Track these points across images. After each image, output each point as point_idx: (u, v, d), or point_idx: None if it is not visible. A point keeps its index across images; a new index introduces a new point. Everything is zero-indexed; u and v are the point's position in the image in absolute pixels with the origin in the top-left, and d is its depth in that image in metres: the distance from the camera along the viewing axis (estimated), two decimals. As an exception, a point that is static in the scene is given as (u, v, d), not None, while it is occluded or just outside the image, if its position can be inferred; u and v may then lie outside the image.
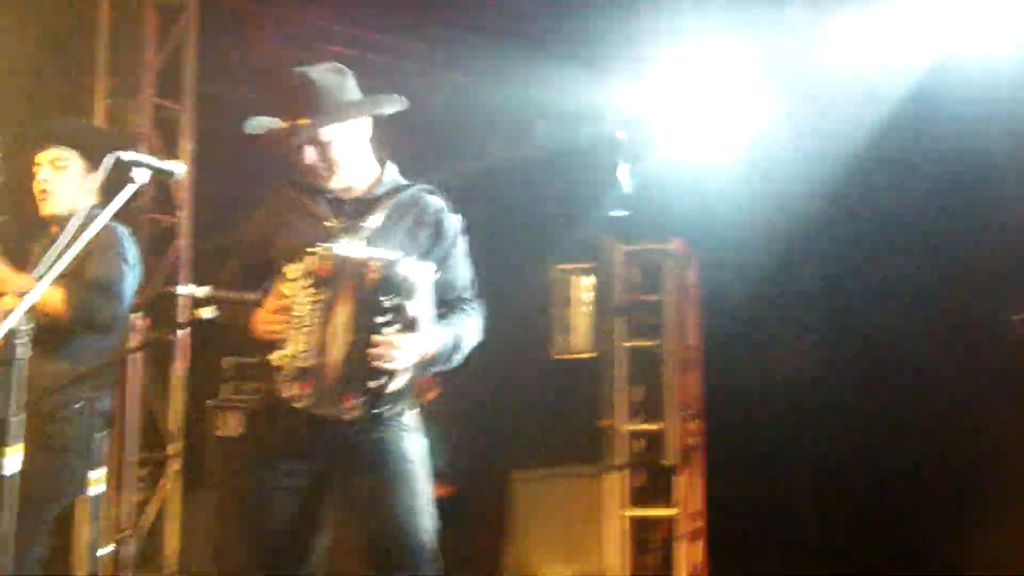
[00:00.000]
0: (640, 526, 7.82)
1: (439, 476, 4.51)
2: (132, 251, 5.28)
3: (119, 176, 4.33)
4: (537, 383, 9.39)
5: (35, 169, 5.27)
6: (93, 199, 5.28)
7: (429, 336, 4.15)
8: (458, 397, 7.32)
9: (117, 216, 4.24)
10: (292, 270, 4.11)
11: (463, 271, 4.46)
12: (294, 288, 4.11)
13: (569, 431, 9.11)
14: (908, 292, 8.29)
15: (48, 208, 5.29)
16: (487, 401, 8.36)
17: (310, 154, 4.32)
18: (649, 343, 7.96)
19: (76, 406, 5.04)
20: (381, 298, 4.04)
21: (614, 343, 7.96)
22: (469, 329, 4.38)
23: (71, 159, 5.32)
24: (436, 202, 4.46)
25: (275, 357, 4.12)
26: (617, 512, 7.73)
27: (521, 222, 9.40)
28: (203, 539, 7.49)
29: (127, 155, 4.36)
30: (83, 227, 4.23)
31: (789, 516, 8.57)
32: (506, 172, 9.19)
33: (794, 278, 8.83)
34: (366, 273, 4.05)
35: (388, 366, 4.02)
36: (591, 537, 7.98)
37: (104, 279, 5.10)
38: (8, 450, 3.85)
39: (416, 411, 4.32)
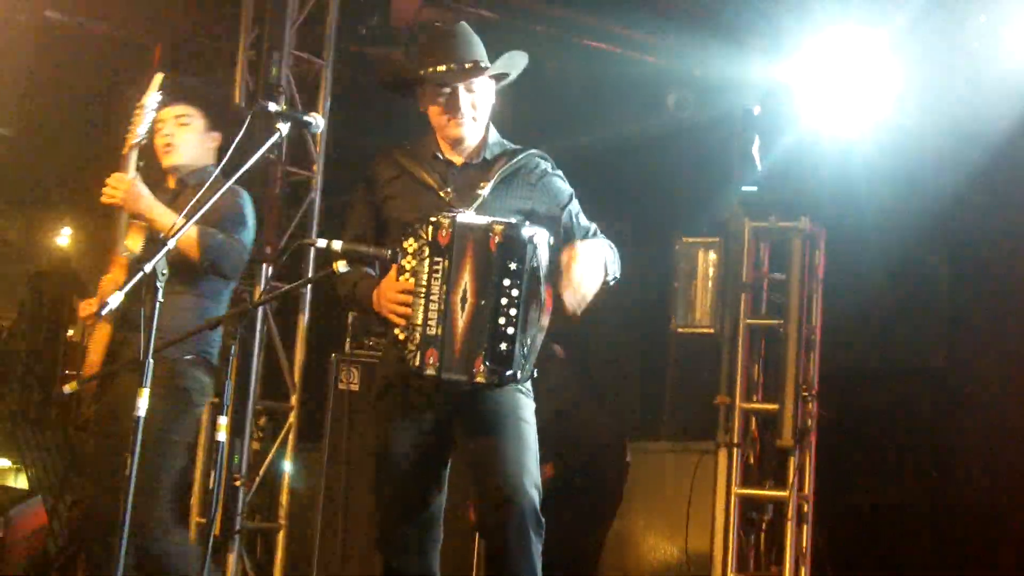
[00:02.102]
0: (749, 506, 7.79)
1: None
2: (252, 214, 5.43)
3: (260, 126, 4.45)
4: (658, 356, 9.39)
5: (159, 124, 5.40)
6: (211, 159, 5.48)
7: (594, 250, 4.25)
8: (577, 365, 7.36)
9: (254, 167, 4.35)
10: (410, 244, 4.18)
11: (585, 218, 4.55)
12: (413, 261, 4.18)
13: (686, 406, 9.11)
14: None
15: (169, 160, 5.47)
16: (608, 371, 8.38)
17: (465, 99, 4.41)
18: (772, 321, 7.90)
19: (189, 356, 5.20)
20: (505, 261, 4.10)
21: (737, 320, 7.91)
22: (613, 249, 4.49)
23: (194, 116, 5.49)
24: (542, 162, 4.54)
25: (398, 331, 4.21)
26: (731, 490, 7.70)
27: (650, 193, 9.39)
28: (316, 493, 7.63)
29: (271, 106, 4.49)
30: (210, 186, 4.37)
31: (898, 506, 8.49)
32: (638, 142, 9.16)
33: (921, 263, 8.71)
34: (491, 238, 4.11)
35: (516, 329, 4.09)
36: (699, 514, 7.98)
37: (231, 227, 5.26)
38: (142, 391, 3.95)
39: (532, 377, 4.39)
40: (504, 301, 4.12)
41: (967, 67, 7.67)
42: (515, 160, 4.52)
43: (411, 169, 4.52)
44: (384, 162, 4.59)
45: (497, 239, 4.13)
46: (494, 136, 4.61)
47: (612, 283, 4.45)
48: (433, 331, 4.16)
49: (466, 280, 4.15)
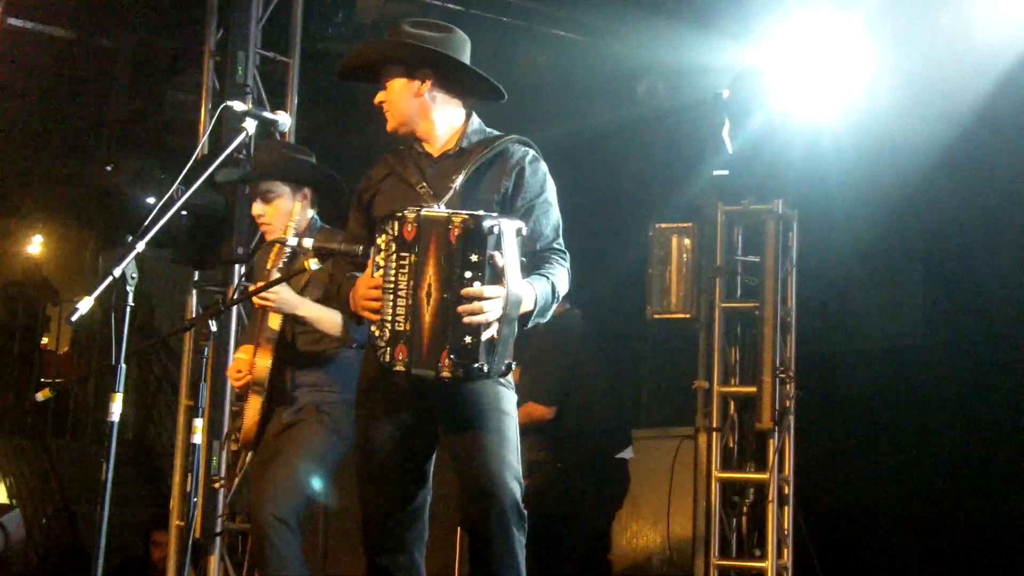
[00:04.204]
0: (730, 490, 7.79)
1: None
2: None
3: (229, 125, 4.43)
4: (635, 343, 9.39)
5: (254, 202, 5.74)
6: (311, 211, 5.72)
7: (520, 289, 4.17)
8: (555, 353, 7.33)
9: (224, 165, 4.38)
10: (382, 240, 4.17)
11: (551, 220, 4.49)
12: (385, 256, 4.16)
13: (664, 392, 9.11)
14: (1012, 263, 8.14)
15: (269, 236, 5.74)
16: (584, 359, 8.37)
17: (379, 97, 4.52)
18: (747, 305, 7.91)
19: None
20: (466, 253, 4.06)
21: (712, 304, 7.91)
22: (561, 279, 4.42)
23: (277, 189, 5.68)
24: (520, 151, 4.52)
25: (374, 327, 4.20)
26: (712, 475, 7.71)
27: (623, 180, 9.39)
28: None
29: (237, 105, 4.49)
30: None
31: (878, 485, 8.52)
32: (609, 130, 9.16)
33: (895, 244, 8.73)
34: (449, 230, 4.08)
35: (479, 320, 4.05)
36: (682, 500, 7.98)
37: None
38: (115, 396, 3.93)
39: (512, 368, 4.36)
40: (467, 291, 4.07)
41: (936, 49, 7.68)
42: (491, 149, 4.49)
43: (397, 167, 4.55)
44: (378, 164, 4.65)
45: (456, 231, 4.08)
46: (474, 125, 4.59)
47: (540, 322, 4.41)
48: (402, 327, 4.14)
49: (431, 274, 4.12)
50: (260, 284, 5.23)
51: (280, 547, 5.18)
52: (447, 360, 4.08)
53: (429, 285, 4.12)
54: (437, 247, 4.11)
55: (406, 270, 4.15)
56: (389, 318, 4.16)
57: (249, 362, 5.47)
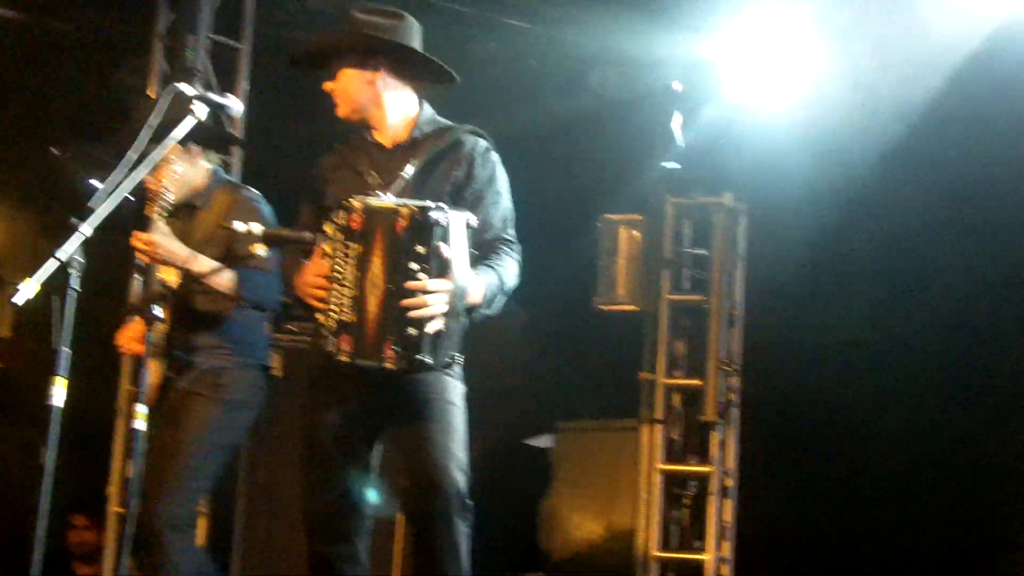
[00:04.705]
0: (672, 482, 7.82)
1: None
2: (270, 220, 5.36)
3: (178, 110, 4.39)
4: (581, 334, 9.39)
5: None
6: (206, 164, 5.51)
7: (468, 281, 4.16)
8: (503, 347, 7.33)
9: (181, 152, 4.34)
10: (330, 228, 4.15)
11: (500, 210, 4.48)
12: (332, 246, 4.14)
13: (610, 384, 9.11)
14: (960, 259, 8.19)
15: (168, 200, 5.30)
16: (532, 351, 8.37)
17: (330, 87, 4.47)
18: (694, 298, 7.93)
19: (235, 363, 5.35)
20: (412, 245, 4.04)
21: (659, 296, 7.92)
22: (509, 271, 4.40)
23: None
24: (471, 141, 4.51)
25: (319, 315, 4.18)
26: (652, 466, 7.73)
27: (571, 171, 9.37)
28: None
29: (188, 89, 4.43)
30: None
31: (823, 479, 8.55)
32: (558, 120, 9.14)
33: (845, 238, 8.76)
34: (396, 221, 4.05)
35: (424, 313, 4.03)
36: (624, 491, 7.99)
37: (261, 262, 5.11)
38: (56, 380, 3.90)
39: (461, 360, 4.35)
40: (412, 284, 4.05)
41: (888, 43, 7.70)
42: (443, 140, 4.48)
43: (349, 157, 4.54)
44: (329, 154, 4.63)
45: (403, 222, 4.06)
46: (426, 115, 4.57)
47: (488, 314, 4.38)
48: (347, 317, 4.13)
49: (376, 264, 4.10)
50: (139, 234, 5.07)
51: (179, 564, 5.05)
52: (390, 351, 4.06)
53: (375, 276, 4.09)
54: (384, 238, 4.09)
55: (352, 260, 4.13)
56: (335, 308, 4.14)
57: (142, 328, 5.19)
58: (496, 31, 8.77)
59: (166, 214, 5.10)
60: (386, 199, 4.22)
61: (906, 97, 7.81)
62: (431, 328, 4.07)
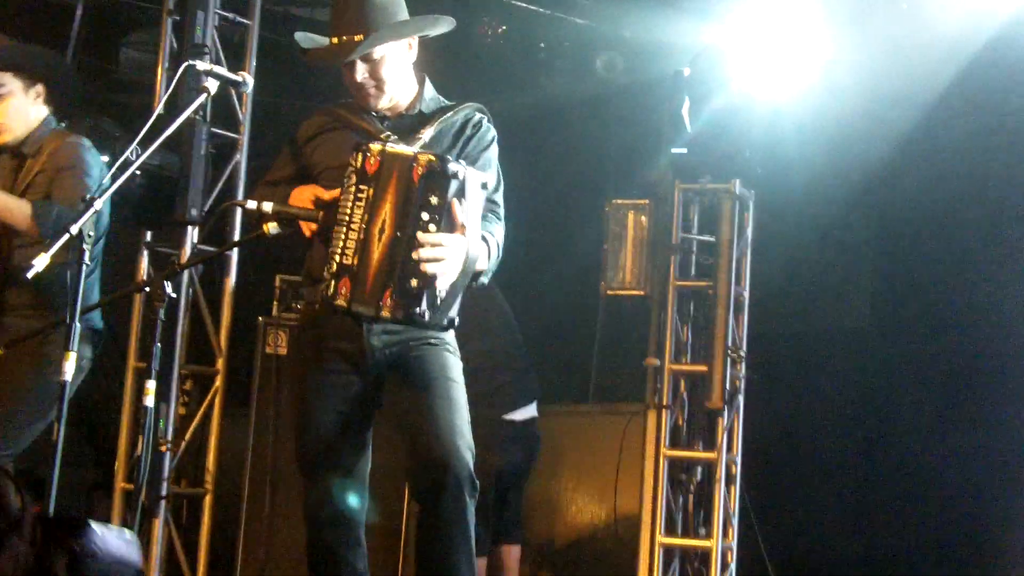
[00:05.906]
0: (677, 468, 7.81)
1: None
2: (97, 166, 5.23)
3: (188, 85, 4.36)
4: (587, 318, 9.38)
5: None
6: (45, 110, 5.30)
7: (478, 247, 4.13)
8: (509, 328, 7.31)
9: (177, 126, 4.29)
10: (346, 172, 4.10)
11: (492, 175, 4.44)
12: (343, 188, 4.09)
13: (615, 368, 9.11)
14: (960, 250, 8.19)
15: (3, 140, 5.27)
16: (539, 333, 8.35)
17: (361, 71, 4.34)
18: (701, 284, 7.91)
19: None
20: (426, 194, 3.99)
21: (666, 282, 7.90)
22: (500, 233, 4.38)
23: (8, 84, 5.26)
24: (476, 115, 4.48)
25: (305, 228, 4.13)
26: (660, 452, 7.71)
27: (580, 156, 9.36)
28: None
29: (200, 64, 4.40)
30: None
31: (827, 465, 8.56)
32: (567, 105, 9.13)
33: (852, 226, 8.75)
34: (413, 167, 4.01)
35: (431, 268, 3.97)
36: (629, 476, 7.98)
37: (70, 199, 5.02)
38: (69, 355, 3.89)
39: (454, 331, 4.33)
40: (423, 236, 3.99)
41: (897, 31, 7.69)
42: (453, 113, 4.46)
43: (348, 118, 4.46)
44: (319, 114, 4.56)
45: (421, 170, 4.00)
46: (430, 92, 4.56)
47: (479, 283, 4.33)
48: (349, 260, 4.05)
49: (387, 210, 4.03)
50: None
51: None
52: (389, 300, 3.99)
53: (383, 221, 4.03)
54: (398, 183, 4.03)
55: (362, 203, 4.05)
56: (338, 250, 4.06)
57: None
58: (505, 13, 8.75)
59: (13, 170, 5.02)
60: (401, 146, 4.17)
61: (915, 86, 7.80)
62: (439, 284, 4.02)
